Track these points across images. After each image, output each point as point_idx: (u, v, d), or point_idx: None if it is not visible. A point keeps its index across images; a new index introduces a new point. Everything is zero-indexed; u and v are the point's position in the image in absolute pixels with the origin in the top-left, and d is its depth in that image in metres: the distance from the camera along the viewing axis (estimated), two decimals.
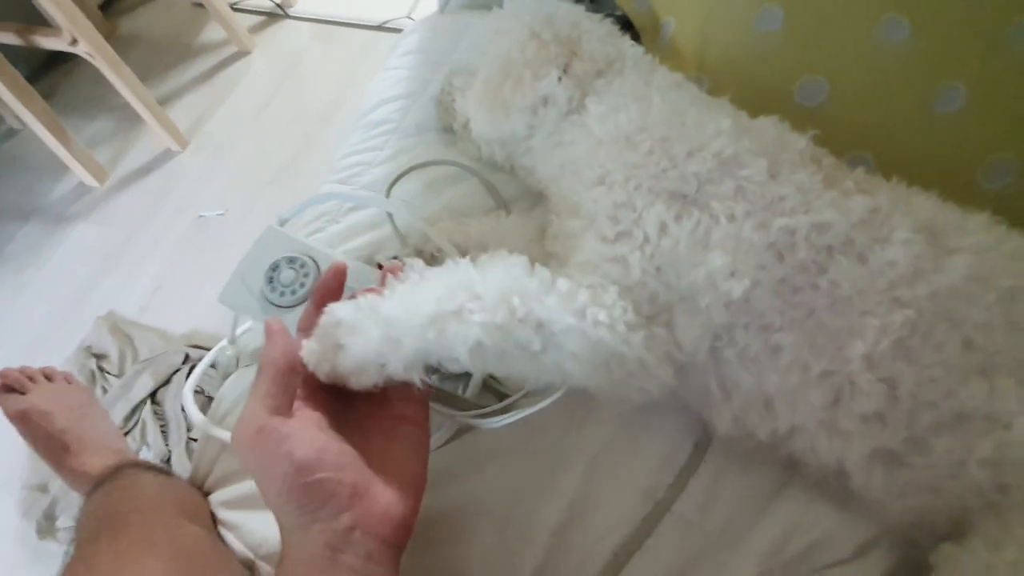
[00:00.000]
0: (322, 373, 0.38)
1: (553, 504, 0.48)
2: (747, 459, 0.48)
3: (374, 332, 0.37)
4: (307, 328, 0.40)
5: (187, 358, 1.21)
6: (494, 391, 0.53)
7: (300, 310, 0.53)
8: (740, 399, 0.44)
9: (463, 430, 0.52)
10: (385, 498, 0.35)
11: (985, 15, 0.50)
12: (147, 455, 1.17)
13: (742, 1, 0.56)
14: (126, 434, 1.20)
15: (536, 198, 0.60)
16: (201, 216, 1.39)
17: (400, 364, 0.37)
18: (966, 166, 0.50)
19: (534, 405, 0.45)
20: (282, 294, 0.54)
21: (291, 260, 0.55)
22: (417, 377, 0.38)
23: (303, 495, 0.32)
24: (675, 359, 0.43)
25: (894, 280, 0.39)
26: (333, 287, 0.43)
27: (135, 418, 1.21)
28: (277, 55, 1.65)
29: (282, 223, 0.60)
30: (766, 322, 0.41)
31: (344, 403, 0.39)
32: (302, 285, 0.54)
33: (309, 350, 0.38)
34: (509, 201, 0.61)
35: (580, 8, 0.56)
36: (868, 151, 0.52)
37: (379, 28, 1.62)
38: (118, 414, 1.20)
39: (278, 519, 0.35)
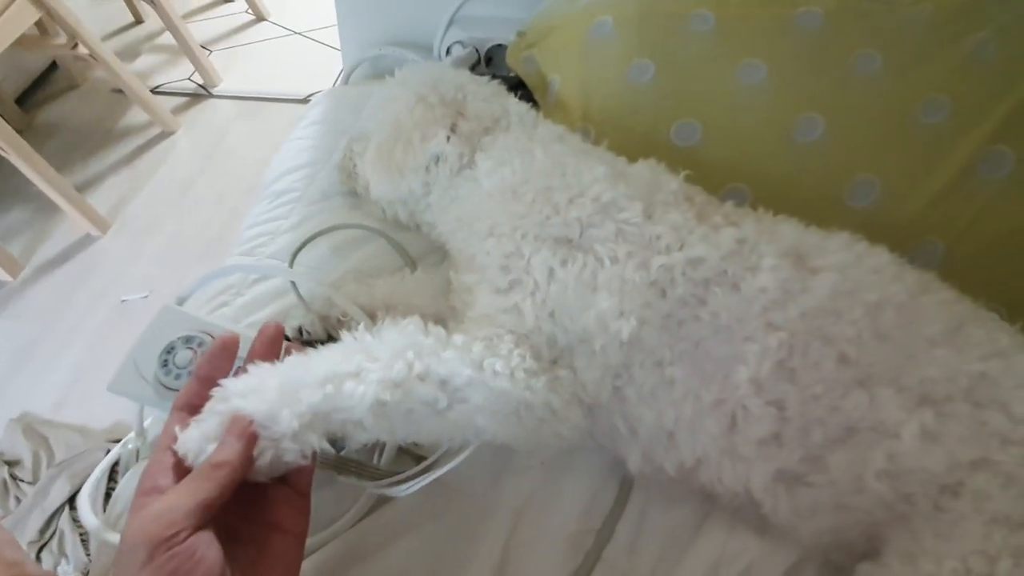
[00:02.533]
0: (199, 460, 0.34)
1: (478, 567, 0.46)
2: (668, 495, 0.48)
3: (272, 386, 0.36)
4: (185, 407, 0.37)
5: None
6: (413, 455, 0.51)
7: None
8: (645, 435, 0.44)
9: (381, 501, 0.50)
10: None
11: (830, 49, 0.55)
12: (66, 570, 1.06)
13: (614, 58, 0.60)
14: (43, 547, 1.09)
15: (444, 252, 0.60)
16: (124, 300, 1.34)
17: (296, 422, 0.35)
18: (832, 188, 0.54)
19: (446, 465, 0.44)
20: (178, 376, 0.51)
21: (188, 339, 0.53)
22: (316, 441, 0.36)
23: None
24: (582, 400, 0.43)
25: (766, 305, 0.41)
26: (220, 361, 0.40)
27: (52, 528, 1.11)
28: (202, 133, 1.65)
29: (180, 301, 0.58)
30: (658, 357, 0.42)
31: None
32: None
33: (187, 437, 0.35)
34: (418, 258, 0.61)
35: (465, 72, 0.58)
36: (744, 183, 0.55)
37: (304, 101, 1.66)
38: (33, 525, 1.10)
39: None
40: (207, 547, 0.31)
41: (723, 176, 0.55)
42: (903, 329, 0.40)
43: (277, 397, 0.35)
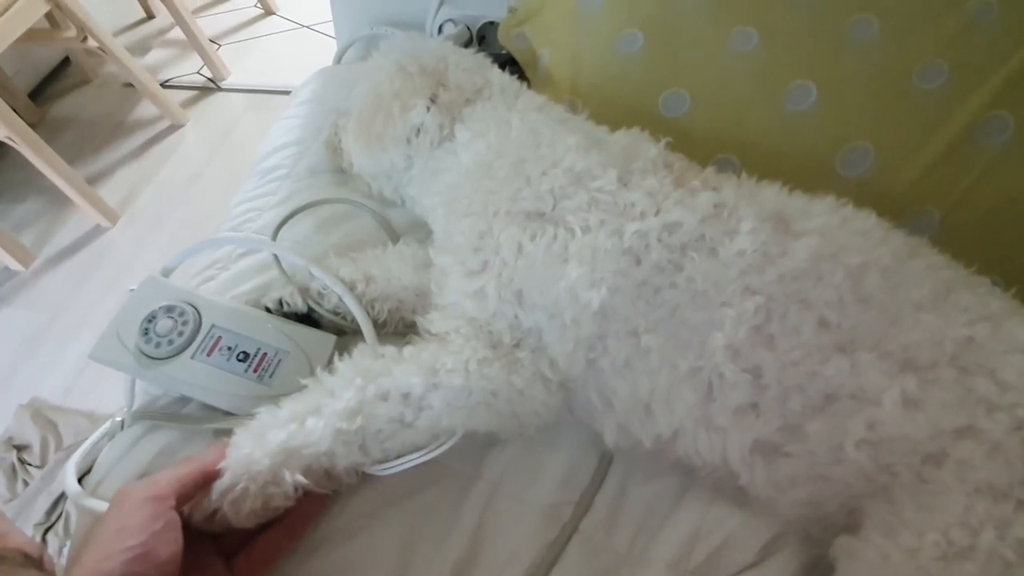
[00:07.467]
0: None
1: (454, 540, 0.45)
2: (648, 469, 0.47)
3: (245, 437, 0.40)
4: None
5: None
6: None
7: (177, 361, 0.50)
8: (621, 407, 0.42)
9: (363, 479, 0.49)
10: None
11: (825, 15, 0.54)
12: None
13: (603, 29, 0.59)
14: (48, 528, 1.11)
15: (429, 229, 0.60)
16: (132, 290, 1.36)
17: (267, 460, 0.38)
18: (824, 157, 0.52)
19: (427, 451, 0.43)
20: (158, 345, 0.51)
21: (169, 309, 0.53)
22: (290, 477, 0.38)
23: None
24: (547, 378, 0.42)
25: (744, 269, 0.39)
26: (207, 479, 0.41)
27: (58, 510, 1.13)
28: (210, 126, 1.67)
29: (166, 273, 0.58)
30: (632, 327, 0.41)
31: None
32: (180, 334, 0.52)
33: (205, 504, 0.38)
34: (404, 233, 0.61)
35: (448, 43, 0.58)
36: (732, 153, 0.54)
37: None
38: (39, 508, 1.12)
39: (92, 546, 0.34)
40: (179, 531, 0.36)
41: (711, 146, 0.54)
42: (887, 293, 0.38)
43: (250, 441, 0.39)
